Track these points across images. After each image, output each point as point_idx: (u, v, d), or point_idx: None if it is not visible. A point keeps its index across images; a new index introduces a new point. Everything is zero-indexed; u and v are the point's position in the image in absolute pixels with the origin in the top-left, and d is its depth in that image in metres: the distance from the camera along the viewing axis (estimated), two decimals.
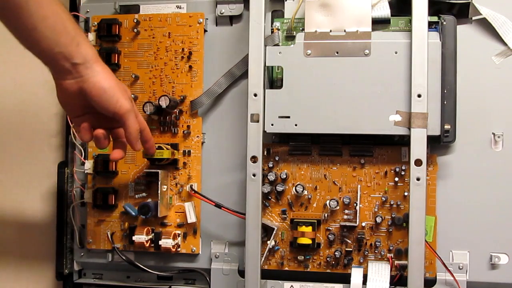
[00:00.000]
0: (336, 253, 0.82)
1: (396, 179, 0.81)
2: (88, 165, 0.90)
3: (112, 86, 0.68)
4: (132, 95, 0.88)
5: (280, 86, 0.79)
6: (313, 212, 0.84)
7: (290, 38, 0.84)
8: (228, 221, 0.87)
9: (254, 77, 0.78)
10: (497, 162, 0.81)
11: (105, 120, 0.72)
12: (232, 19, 0.89)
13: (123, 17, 0.90)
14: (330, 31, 0.79)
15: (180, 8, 0.89)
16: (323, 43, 0.78)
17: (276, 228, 0.83)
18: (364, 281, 0.78)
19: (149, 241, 0.87)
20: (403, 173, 0.81)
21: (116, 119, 0.70)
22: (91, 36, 0.90)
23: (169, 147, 0.87)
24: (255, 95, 0.78)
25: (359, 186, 0.82)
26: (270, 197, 0.84)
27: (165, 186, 0.87)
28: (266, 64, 0.79)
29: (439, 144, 0.80)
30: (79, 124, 0.72)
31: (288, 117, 0.79)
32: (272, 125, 0.79)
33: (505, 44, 0.80)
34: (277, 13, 0.86)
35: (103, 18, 0.90)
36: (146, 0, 0.91)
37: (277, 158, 0.84)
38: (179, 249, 0.88)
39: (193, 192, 0.86)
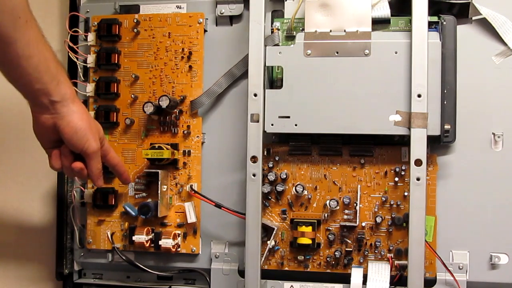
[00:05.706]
0: (336, 253, 0.82)
1: (396, 179, 0.81)
2: None
3: (85, 127, 0.71)
4: (132, 95, 0.89)
5: (280, 86, 0.79)
6: (313, 212, 0.84)
7: (290, 38, 0.83)
8: (228, 221, 0.86)
9: (254, 77, 0.78)
10: (497, 162, 0.81)
11: (73, 155, 0.75)
12: (232, 19, 0.89)
13: (123, 17, 0.90)
14: (330, 31, 0.79)
15: (180, 8, 0.89)
16: (323, 43, 0.78)
17: (276, 228, 0.83)
18: (364, 281, 0.78)
19: (149, 241, 0.87)
20: (403, 173, 0.81)
21: (83, 156, 0.74)
22: (91, 36, 0.90)
23: (169, 147, 0.87)
24: (255, 95, 0.78)
25: (359, 186, 0.82)
26: (270, 197, 0.84)
27: (165, 186, 0.87)
28: (266, 64, 0.79)
29: (439, 144, 0.80)
30: (50, 154, 0.75)
31: (288, 117, 0.79)
32: (272, 125, 0.79)
33: (505, 44, 0.80)
34: (277, 13, 0.86)
35: (103, 18, 0.90)
36: (146, 0, 0.91)
37: (277, 158, 0.84)
38: (179, 249, 0.88)
39: (193, 192, 0.86)
